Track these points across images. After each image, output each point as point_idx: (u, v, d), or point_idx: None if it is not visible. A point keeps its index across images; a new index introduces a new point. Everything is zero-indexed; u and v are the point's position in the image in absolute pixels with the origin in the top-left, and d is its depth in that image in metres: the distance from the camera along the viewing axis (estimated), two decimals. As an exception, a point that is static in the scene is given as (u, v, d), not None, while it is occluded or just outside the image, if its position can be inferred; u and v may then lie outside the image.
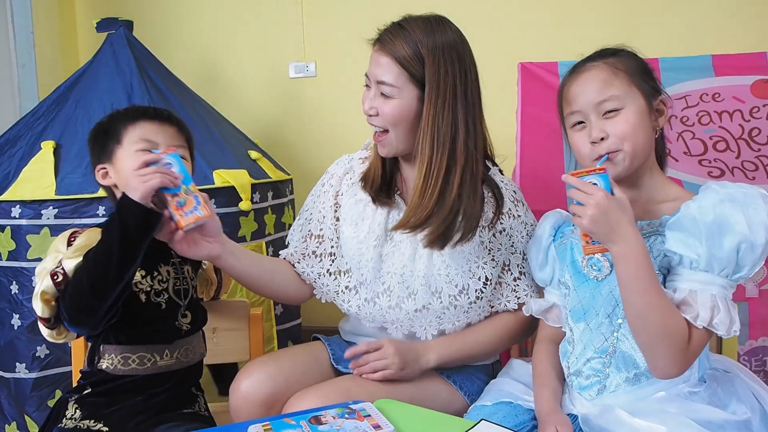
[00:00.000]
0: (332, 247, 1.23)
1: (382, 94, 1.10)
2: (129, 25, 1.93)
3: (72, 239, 1.03)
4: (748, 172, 1.58)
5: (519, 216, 1.19)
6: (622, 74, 0.99)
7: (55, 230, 1.54)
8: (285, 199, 1.92)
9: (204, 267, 1.22)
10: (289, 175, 2.00)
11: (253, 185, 1.72)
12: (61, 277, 0.97)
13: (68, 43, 2.55)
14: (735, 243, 0.88)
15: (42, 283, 0.98)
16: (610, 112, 0.98)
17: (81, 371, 1.12)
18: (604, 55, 1.02)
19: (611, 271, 0.99)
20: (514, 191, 1.22)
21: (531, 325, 1.21)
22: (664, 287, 0.93)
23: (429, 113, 1.09)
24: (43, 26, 2.39)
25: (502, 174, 1.23)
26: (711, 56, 1.72)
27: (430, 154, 1.09)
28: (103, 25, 1.90)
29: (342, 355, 1.19)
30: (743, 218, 0.88)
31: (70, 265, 0.97)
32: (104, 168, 1.08)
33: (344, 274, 1.22)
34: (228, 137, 1.88)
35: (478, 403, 1.08)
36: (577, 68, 1.03)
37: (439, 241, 1.10)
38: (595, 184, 0.91)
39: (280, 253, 1.30)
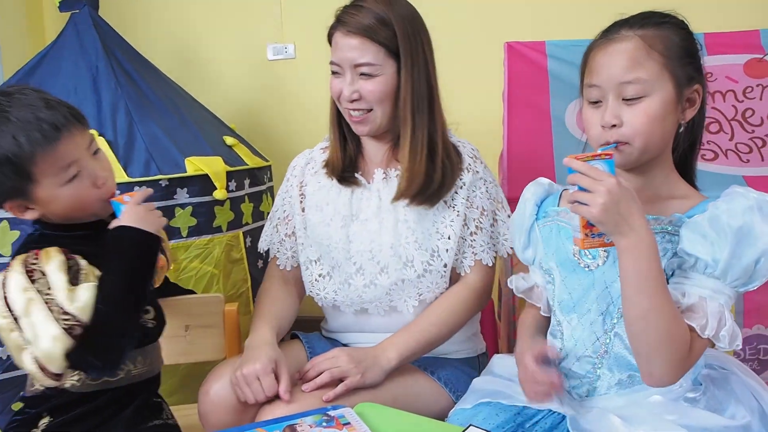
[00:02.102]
0: (302, 237, 1.21)
1: (362, 74, 1.10)
2: (94, 4, 1.82)
3: (31, 270, 0.86)
4: (742, 154, 1.53)
5: (477, 172, 1.18)
6: (657, 55, 0.87)
7: (15, 223, 1.45)
8: (263, 187, 1.85)
9: None
10: (267, 161, 1.93)
11: (228, 173, 1.64)
12: (79, 329, 0.84)
13: (34, 24, 2.43)
14: (756, 255, 0.82)
15: (48, 343, 0.82)
16: (632, 98, 0.88)
17: (24, 397, 0.96)
18: (645, 23, 0.90)
19: (606, 261, 0.93)
20: (473, 149, 1.23)
21: (485, 291, 1.18)
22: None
23: (407, 81, 1.11)
24: (8, 6, 2.27)
25: (453, 135, 1.25)
26: (703, 34, 1.67)
27: (412, 122, 1.12)
28: (66, 4, 1.79)
29: (321, 352, 1.12)
30: None
31: (79, 307, 0.84)
32: (19, 203, 0.91)
33: (315, 262, 1.19)
34: (202, 122, 1.80)
35: (458, 406, 1.02)
36: (610, 33, 0.91)
37: (432, 200, 1.13)
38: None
39: (278, 264, 1.27)
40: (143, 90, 1.70)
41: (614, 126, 0.88)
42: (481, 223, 1.17)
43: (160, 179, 1.49)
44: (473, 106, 2.04)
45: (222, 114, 2.04)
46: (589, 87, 0.91)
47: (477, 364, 1.24)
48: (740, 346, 0.85)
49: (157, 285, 1.10)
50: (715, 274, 0.83)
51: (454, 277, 1.18)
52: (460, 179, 1.16)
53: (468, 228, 1.16)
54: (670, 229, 0.89)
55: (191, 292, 1.28)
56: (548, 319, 1.05)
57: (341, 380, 1.03)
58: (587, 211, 0.81)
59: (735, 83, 1.61)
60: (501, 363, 1.09)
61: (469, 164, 1.18)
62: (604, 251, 0.93)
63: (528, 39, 1.69)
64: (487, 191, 1.18)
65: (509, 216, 1.21)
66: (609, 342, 0.92)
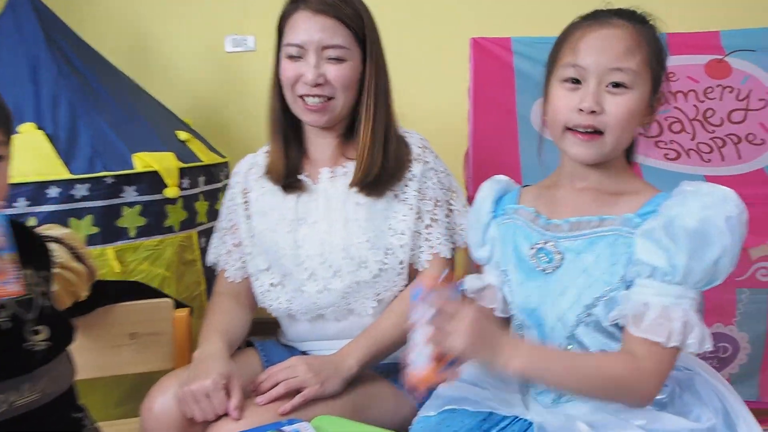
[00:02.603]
0: (249, 246, 1.16)
1: (330, 59, 1.05)
2: (35, -12, 1.70)
3: None
4: (704, 154, 1.54)
5: (428, 162, 1.14)
6: (645, 50, 0.85)
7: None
8: (219, 185, 1.76)
9: (57, 259, 0.95)
10: (224, 157, 1.84)
11: (182, 169, 1.55)
12: None
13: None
14: (716, 255, 0.79)
15: None
16: (617, 86, 0.84)
17: None
18: (633, 17, 0.88)
19: (561, 266, 0.89)
20: (421, 138, 1.18)
21: None
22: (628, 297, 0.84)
23: (372, 71, 1.09)
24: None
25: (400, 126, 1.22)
26: (666, 34, 1.67)
27: (374, 112, 1.10)
28: (4, -14, 1.67)
29: (277, 361, 1.06)
30: (726, 227, 0.79)
31: None
32: None
33: (266, 272, 1.14)
34: (153, 116, 1.70)
35: (422, 414, 0.97)
36: (601, 18, 0.88)
37: (381, 189, 1.10)
38: None
39: (227, 276, 1.20)
40: (89, 81, 1.59)
41: (594, 112, 0.84)
42: (435, 215, 1.13)
43: (104, 176, 1.39)
44: (439, 102, 2.01)
45: (176, 108, 1.94)
46: (571, 66, 0.86)
47: (441, 369, 1.19)
48: (710, 348, 0.82)
49: (82, 296, 1.01)
50: (676, 280, 0.80)
51: (413, 273, 1.14)
52: (410, 171, 1.12)
53: (422, 221, 1.12)
54: (623, 231, 0.85)
55: (136, 284, 1.20)
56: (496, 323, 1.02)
57: (299, 391, 0.96)
58: (452, 344, 0.78)
59: (696, 83, 1.62)
60: (464, 367, 1.05)
61: (418, 155, 1.14)
62: (559, 254, 0.89)
63: (494, 35, 1.67)
64: (439, 181, 1.14)
65: (465, 205, 1.18)
66: (571, 348, 0.89)
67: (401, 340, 1.08)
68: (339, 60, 1.06)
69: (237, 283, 1.19)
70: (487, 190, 1.02)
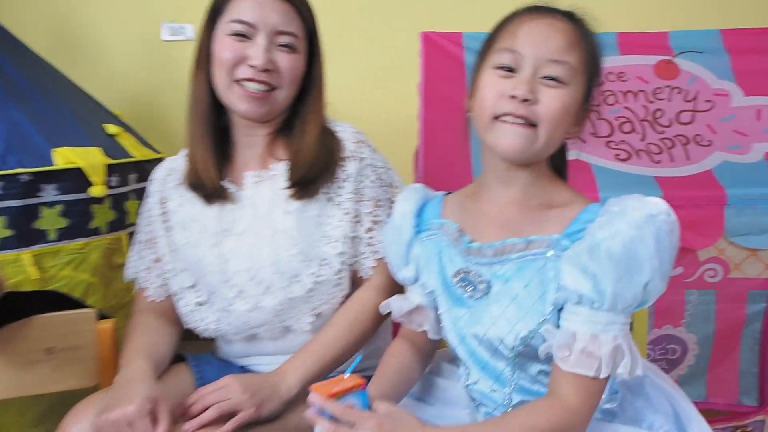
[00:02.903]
0: (170, 262, 1.06)
1: (281, 46, 0.98)
2: (-57, -37, 1.53)
3: None
4: (654, 155, 1.54)
5: (364, 158, 1.04)
6: (584, 49, 0.82)
7: None
8: (154, 183, 1.64)
9: None
10: (159, 153, 1.72)
11: (110, 166, 1.43)
12: None
13: None
14: (645, 280, 0.74)
15: None
16: (552, 80, 0.79)
17: None
18: (572, 16, 0.84)
19: (488, 294, 0.83)
20: (355, 132, 1.08)
21: (392, 290, 1.06)
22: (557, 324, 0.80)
23: (319, 68, 1.04)
24: None
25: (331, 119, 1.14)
26: (616, 34, 1.67)
27: (323, 108, 1.05)
28: None
29: (212, 379, 0.97)
30: (655, 248, 0.74)
31: None
32: None
33: (191, 289, 1.03)
34: (79, 109, 1.56)
35: None
36: (542, 10, 0.84)
37: (313, 189, 1.02)
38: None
39: (147, 295, 1.10)
40: (3, 68, 1.44)
41: (527, 101, 0.79)
42: (377, 216, 1.03)
43: (19, 174, 1.25)
44: (388, 98, 1.94)
45: (107, 100, 1.80)
46: (508, 51, 0.81)
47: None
48: (641, 373, 0.78)
49: None
50: (604, 307, 0.76)
51: (358, 282, 1.05)
52: (344, 171, 1.02)
53: (362, 225, 1.03)
54: (550, 255, 0.80)
55: (53, 294, 1.10)
56: (423, 354, 0.96)
57: (233, 415, 0.87)
58: None
59: (646, 83, 1.62)
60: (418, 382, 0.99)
61: (353, 151, 1.03)
62: (483, 284, 0.84)
63: (445, 29, 1.62)
64: (378, 178, 1.05)
65: None
66: (513, 374, 0.84)
67: (347, 353, 1.01)
68: (291, 49, 0.99)
69: (159, 302, 1.08)
70: (407, 202, 0.94)
